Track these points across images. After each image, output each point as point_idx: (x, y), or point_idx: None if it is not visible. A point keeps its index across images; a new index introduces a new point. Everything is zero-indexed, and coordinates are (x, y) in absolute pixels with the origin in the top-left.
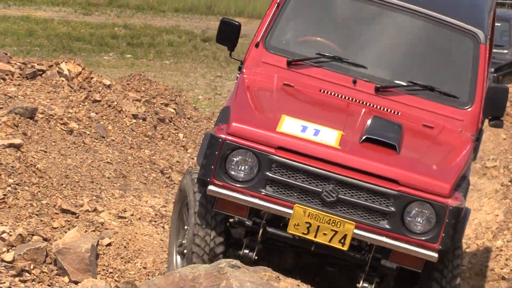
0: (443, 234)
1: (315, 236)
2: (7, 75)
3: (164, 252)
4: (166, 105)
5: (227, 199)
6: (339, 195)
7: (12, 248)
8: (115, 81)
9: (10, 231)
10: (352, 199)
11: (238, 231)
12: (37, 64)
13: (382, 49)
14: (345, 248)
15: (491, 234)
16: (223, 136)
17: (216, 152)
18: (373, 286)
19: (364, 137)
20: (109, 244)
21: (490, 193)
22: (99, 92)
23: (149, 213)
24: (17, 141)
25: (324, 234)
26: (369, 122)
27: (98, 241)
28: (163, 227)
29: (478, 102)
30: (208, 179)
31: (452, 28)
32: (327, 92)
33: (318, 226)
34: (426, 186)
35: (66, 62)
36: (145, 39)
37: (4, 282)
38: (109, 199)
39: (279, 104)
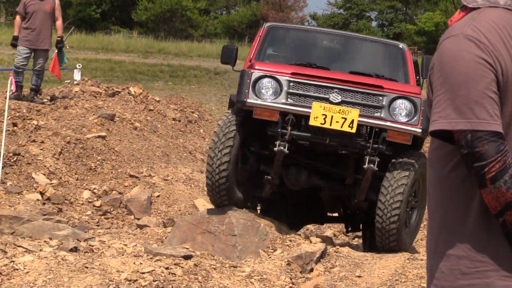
0: (422, 118)
1: (330, 124)
2: (97, 94)
3: (191, 201)
4: (192, 112)
5: (260, 107)
6: (342, 98)
7: (100, 198)
8: (162, 98)
9: (98, 188)
10: (352, 100)
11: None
12: (115, 88)
13: (340, 60)
14: (353, 131)
15: None
16: (251, 69)
17: (248, 80)
18: (375, 164)
19: (349, 71)
20: (158, 196)
21: None
22: (152, 104)
23: (182, 177)
24: (103, 134)
25: (337, 122)
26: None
27: (151, 194)
28: (190, 186)
29: (412, 82)
30: (245, 99)
31: (385, 43)
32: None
33: (332, 116)
34: (404, 88)
35: (133, 86)
36: (180, 73)
37: (95, 219)
38: (158, 169)
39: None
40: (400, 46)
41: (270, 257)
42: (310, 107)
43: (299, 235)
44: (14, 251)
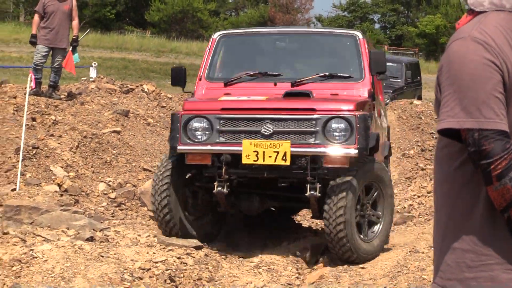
0: (358, 137)
1: (263, 160)
2: (112, 91)
3: None
4: None
5: (191, 152)
6: (274, 129)
7: (115, 190)
8: (174, 95)
9: (113, 181)
10: (284, 129)
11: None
12: (129, 85)
13: (291, 61)
14: (287, 163)
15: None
16: (180, 113)
17: (178, 124)
18: (318, 191)
19: (284, 93)
20: None
21: (389, 162)
22: (165, 101)
23: None
24: (118, 129)
25: (269, 156)
26: (286, 91)
27: None
28: None
29: (366, 76)
30: (177, 145)
31: (337, 34)
32: (258, 94)
33: (264, 151)
34: (336, 108)
35: (146, 84)
36: (191, 71)
37: (110, 210)
38: None
39: (220, 95)
40: (353, 35)
41: (277, 249)
42: (241, 144)
43: (306, 227)
44: (33, 240)
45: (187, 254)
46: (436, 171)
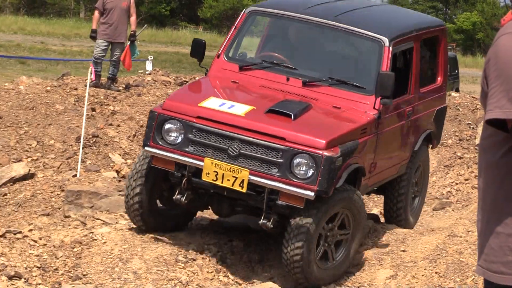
0: (320, 179)
1: (222, 182)
2: (167, 83)
3: None
4: None
5: (157, 156)
6: (241, 151)
7: None
8: None
9: None
10: (251, 153)
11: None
12: (183, 77)
13: (312, 55)
14: (243, 190)
15: (429, 174)
16: (158, 110)
17: (153, 123)
18: (271, 222)
19: (268, 109)
20: None
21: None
22: None
23: None
24: None
25: (228, 180)
26: (281, 100)
27: None
28: None
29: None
30: (148, 143)
31: (361, 36)
32: (264, 87)
33: (223, 173)
34: (306, 142)
35: (199, 77)
36: None
37: None
38: None
39: (214, 90)
40: (379, 40)
41: None
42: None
43: None
44: (93, 223)
45: (237, 237)
46: (480, 159)
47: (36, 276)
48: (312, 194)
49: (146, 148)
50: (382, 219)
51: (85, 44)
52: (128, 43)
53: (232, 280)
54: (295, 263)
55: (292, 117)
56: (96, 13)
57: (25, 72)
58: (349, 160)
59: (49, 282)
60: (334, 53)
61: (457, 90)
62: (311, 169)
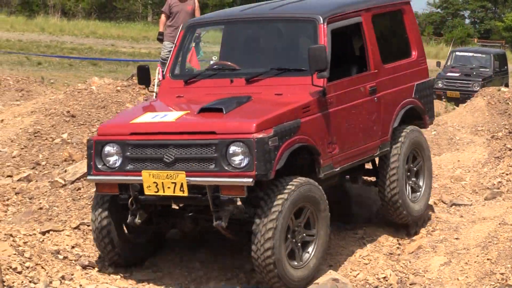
0: (256, 163)
1: (164, 191)
2: None
3: None
4: None
5: (100, 182)
6: (176, 156)
7: None
8: None
9: None
10: (186, 156)
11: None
12: None
13: (253, 52)
14: (185, 194)
15: (480, 165)
16: (93, 138)
17: (91, 151)
18: (223, 221)
19: (200, 109)
20: None
21: (480, 143)
22: None
23: None
24: None
25: (168, 187)
26: (215, 100)
27: None
28: None
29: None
30: (91, 172)
31: (296, 20)
32: (209, 94)
33: (162, 182)
34: (236, 129)
35: None
36: None
37: None
38: None
39: (152, 107)
40: (312, 19)
41: (380, 222)
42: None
43: None
44: None
45: None
46: None
47: (109, 265)
48: (251, 180)
49: (89, 177)
50: (436, 209)
51: (152, 46)
52: (194, 45)
53: None
54: (266, 256)
55: (224, 110)
56: (163, 16)
57: (96, 73)
58: (290, 140)
59: (120, 271)
60: (274, 44)
61: (507, 85)
62: (246, 156)
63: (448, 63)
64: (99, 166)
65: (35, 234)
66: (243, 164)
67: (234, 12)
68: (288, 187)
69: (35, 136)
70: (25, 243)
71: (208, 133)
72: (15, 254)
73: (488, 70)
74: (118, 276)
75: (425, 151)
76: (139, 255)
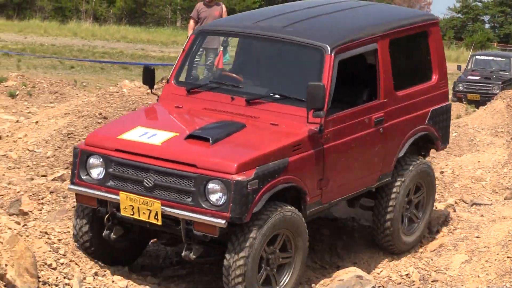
0: (231, 205)
1: (139, 215)
2: None
3: None
4: None
5: (79, 193)
6: (156, 182)
7: None
8: None
9: None
10: (165, 184)
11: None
12: None
13: (259, 70)
14: (159, 223)
15: (500, 165)
16: (80, 146)
17: (76, 160)
18: (193, 252)
19: (188, 135)
20: None
21: (500, 145)
22: None
23: None
24: None
25: (144, 213)
26: (207, 124)
27: None
28: None
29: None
30: (74, 180)
31: (301, 45)
32: (208, 109)
33: (138, 207)
34: (217, 167)
35: None
36: None
37: None
38: None
39: (145, 119)
40: (320, 48)
41: None
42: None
43: None
44: None
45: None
46: None
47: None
48: (223, 221)
49: (69, 186)
50: (457, 208)
51: (181, 50)
52: (221, 49)
53: (319, 265)
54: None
55: (211, 141)
56: (191, 22)
57: (127, 76)
58: (273, 181)
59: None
60: (279, 66)
61: None
62: (223, 196)
63: (469, 67)
64: (83, 177)
65: (69, 231)
66: (219, 203)
67: (247, 23)
68: (262, 216)
69: (68, 137)
70: (59, 240)
71: (189, 165)
72: (50, 251)
73: (507, 73)
74: (149, 273)
75: (430, 184)
76: (121, 259)
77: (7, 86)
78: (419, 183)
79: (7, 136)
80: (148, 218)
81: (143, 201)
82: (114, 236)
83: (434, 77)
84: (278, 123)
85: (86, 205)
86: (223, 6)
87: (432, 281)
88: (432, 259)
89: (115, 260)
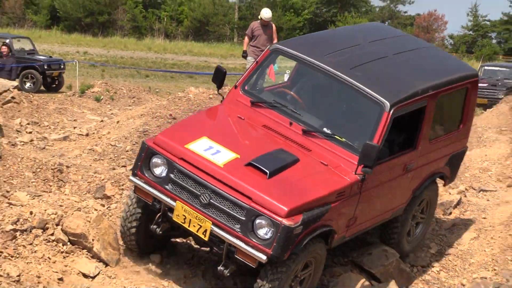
0: (275, 244)
1: (189, 226)
2: None
3: None
4: None
5: (139, 185)
6: (211, 200)
7: None
8: None
9: None
10: (219, 205)
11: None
12: None
13: (320, 103)
14: (206, 238)
15: (504, 158)
16: (149, 143)
17: (142, 154)
18: (228, 271)
19: (247, 162)
20: None
21: (504, 141)
22: None
23: None
24: None
25: (194, 225)
26: (267, 152)
27: None
28: None
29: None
30: (135, 171)
31: (365, 95)
32: (267, 127)
33: (190, 219)
34: (270, 206)
35: None
36: None
37: None
38: None
39: (211, 128)
40: (381, 103)
41: None
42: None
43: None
44: None
45: None
46: None
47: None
48: (265, 258)
49: (131, 178)
50: (467, 194)
51: (238, 62)
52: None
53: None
54: None
55: (268, 175)
56: (246, 38)
57: (193, 83)
58: (314, 225)
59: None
60: (340, 105)
61: None
62: (269, 233)
63: (479, 76)
64: (144, 171)
65: None
66: (265, 237)
67: (317, 54)
68: (297, 254)
69: (144, 134)
70: None
71: (245, 195)
72: None
73: (511, 81)
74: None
75: (431, 209)
76: (153, 246)
77: (93, 92)
78: (425, 205)
79: (93, 133)
80: (197, 232)
81: (197, 216)
82: (160, 231)
83: (461, 126)
84: (328, 163)
85: (142, 198)
86: (274, 25)
87: (446, 254)
88: (446, 236)
89: (149, 247)
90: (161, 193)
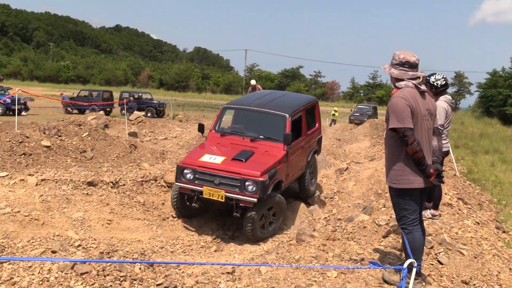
0: (259, 191)
1: (213, 197)
2: None
3: None
4: None
5: (181, 185)
6: (220, 181)
7: None
8: None
9: None
10: (225, 182)
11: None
12: None
13: (254, 125)
14: (223, 200)
15: (367, 148)
16: (180, 164)
17: (178, 171)
18: (239, 213)
19: (232, 158)
20: None
21: (367, 140)
22: None
23: None
24: None
25: (215, 196)
26: (238, 151)
27: None
28: None
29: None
30: (177, 179)
31: (276, 114)
32: (233, 143)
33: (212, 193)
34: (251, 174)
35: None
36: None
37: None
38: None
39: (208, 149)
40: (283, 116)
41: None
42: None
43: None
44: None
45: None
46: (387, 142)
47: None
48: (255, 200)
49: (176, 183)
50: (350, 165)
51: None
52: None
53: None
54: (248, 227)
55: (244, 161)
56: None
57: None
58: (273, 179)
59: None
60: (264, 123)
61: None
62: (254, 187)
63: (354, 109)
64: (181, 178)
65: None
66: (252, 190)
67: (247, 103)
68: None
69: (195, 141)
70: None
71: (236, 173)
72: None
73: (370, 112)
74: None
75: (315, 168)
76: (191, 213)
77: (178, 117)
78: (312, 163)
79: (178, 137)
80: (217, 199)
81: (216, 191)
82: (196, 206)
83: (317, 125)
84: (268, 151)
85: (184, 191)
86: (259, 87)
87: (340, 192)
88: (338, 183)
89: (188, 213)
90: (194, 186)
